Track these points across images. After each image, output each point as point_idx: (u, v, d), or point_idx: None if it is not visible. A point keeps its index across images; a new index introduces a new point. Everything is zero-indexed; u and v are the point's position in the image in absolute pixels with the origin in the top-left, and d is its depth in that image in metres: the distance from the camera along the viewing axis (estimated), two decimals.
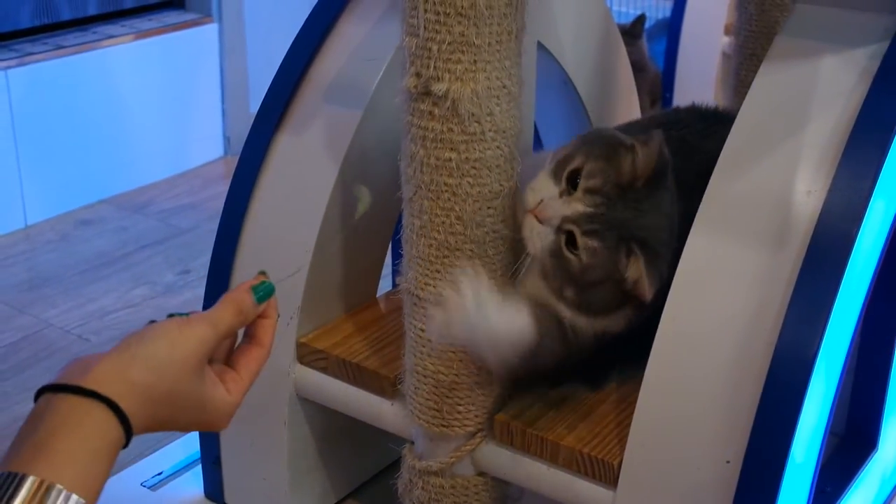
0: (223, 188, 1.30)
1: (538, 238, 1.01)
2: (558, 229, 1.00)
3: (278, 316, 0.84)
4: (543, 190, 1.01)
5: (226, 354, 0.81)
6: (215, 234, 1.29)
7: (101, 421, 0.68)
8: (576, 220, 0.99)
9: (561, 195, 1.00)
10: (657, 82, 2.69)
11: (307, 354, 1.24)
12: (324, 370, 1.23)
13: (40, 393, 0.69)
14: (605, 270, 1.00)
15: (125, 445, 0.70)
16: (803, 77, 1.04)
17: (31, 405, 0.70)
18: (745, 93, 1.07)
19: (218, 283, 1.28)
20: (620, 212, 0.99)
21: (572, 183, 1.00)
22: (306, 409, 1.27)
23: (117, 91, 2.35)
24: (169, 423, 0.74)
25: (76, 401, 0.68)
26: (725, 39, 2.56)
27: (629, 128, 1.19)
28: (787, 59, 1.06)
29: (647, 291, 0.98)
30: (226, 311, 0.78)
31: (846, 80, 1.02)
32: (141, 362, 0.71)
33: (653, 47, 2.73)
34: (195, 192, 2.41)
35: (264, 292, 0.80)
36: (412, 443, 1.17)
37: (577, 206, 0.99)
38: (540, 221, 1.00)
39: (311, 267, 1.22)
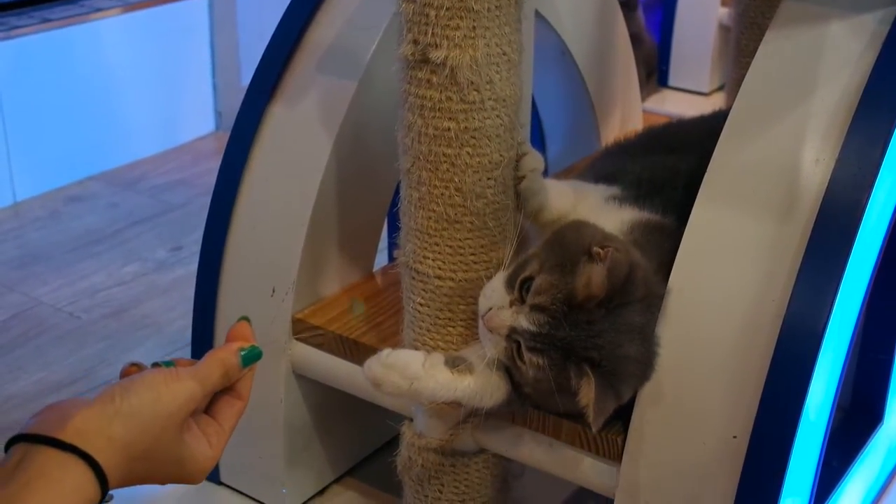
0: (214, 164, 1.27)
1: (490, 344, 0.97)
2: (508, 337, 0.95)
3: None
4: (494, 297, 0.96)
5: (206, 403, 0.79)
6: (207, 209, 1.27)
7: (78, 477, 0.66)
8: (521, 333, 0.93)
9: (511, 304, 0.95)
10: (652, 54, 2.66)
11: (303, 330, 1.22)
12: (320, 346, 1.21)
13: (14, 441, 0.67)
14: (557, 384, 0.93)
15: (101, 501, 0.68)
16: (810, 43, 1.02)
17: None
18: (746, 63, 1.04)
19: (210, 259, 1.25)
20: (567, 332, 0.91)
21: (523, 292, 0.94)
22: (302, 386, 1.25)
23: (106, 65, 2.31)
24: (146, 478, 0.72)
25: (54, 454, 0.66)
26: (722, 10, 2.54)
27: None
28: (794, 25, 1.04)
29: (594, 422, 0.91)
30: (214, 371, 0.77)
31: (855, 45, 1.00)
32: (123, 418, 0.69)
33: (648, 18, 2.70)
34: (186, 167, 2.38)
35: (251, 358, 0.79)
36: (411, 419, 1.15)
37: (522, 321, 0.93)
38: (489, 330, 0.96)
39: (307, 241, 1.20)
